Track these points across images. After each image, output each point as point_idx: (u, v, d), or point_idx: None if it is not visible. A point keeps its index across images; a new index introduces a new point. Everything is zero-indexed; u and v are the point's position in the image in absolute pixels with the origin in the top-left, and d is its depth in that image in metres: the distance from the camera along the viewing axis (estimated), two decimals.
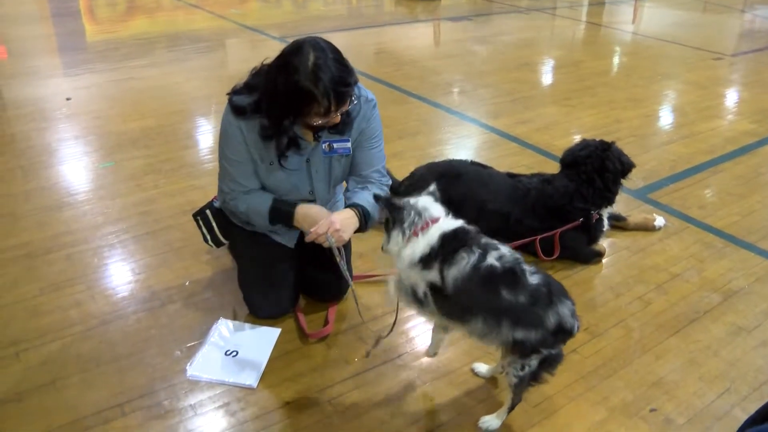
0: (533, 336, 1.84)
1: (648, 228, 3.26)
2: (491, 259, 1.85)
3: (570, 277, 2.88)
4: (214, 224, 2.60)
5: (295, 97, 2.02)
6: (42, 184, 3.59)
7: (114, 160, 3.91)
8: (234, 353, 2.34)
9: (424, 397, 2.17)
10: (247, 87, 2.24)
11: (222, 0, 9.38)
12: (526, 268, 1.88)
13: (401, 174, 3.37)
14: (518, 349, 1.88)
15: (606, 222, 3.04)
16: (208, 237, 2.64)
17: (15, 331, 2.43)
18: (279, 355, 2.35)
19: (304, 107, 2.05)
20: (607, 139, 3.03)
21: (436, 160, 3.48)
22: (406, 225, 1.93)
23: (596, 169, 2.93)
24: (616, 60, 7.00)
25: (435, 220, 1.95)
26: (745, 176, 3.92)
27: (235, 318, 2.53)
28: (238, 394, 2.18)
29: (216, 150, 3.99)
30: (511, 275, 1.85)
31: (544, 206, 2.96)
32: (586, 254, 3.00)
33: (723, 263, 3.01)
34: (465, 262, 1.85)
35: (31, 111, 4.70)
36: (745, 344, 2.48)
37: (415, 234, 1.93)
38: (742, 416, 2.13)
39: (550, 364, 1.93)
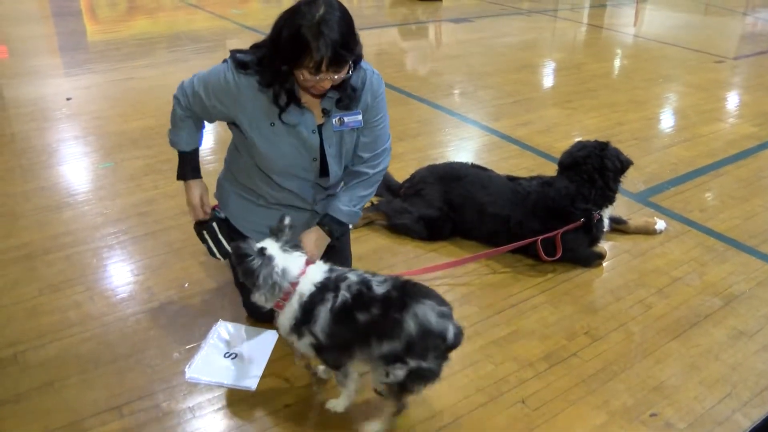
0: (397, 345, 1.81)
1: (649, 231, 3.25)
2: (340, 299, 1.87)
3: (571, 281, 2.87)
4: (221, 236, 2.45)
5: (293, 42, 1.98)
6: (42, 184, 3.59)
7: (114, 160, 3.90)
8: (233, 355, 2.34)
9: (423, 402, 2.15)
10: (254, 47, 2.23)
11: (223, 0, 9.38)
12: (373, 279, 1.90)
13: (402, 176, 3.37)
14: (383, 358, 1.86)
15: (606, 222, 3.04)
16: (215, 250, 2.47)
17: (14, 332, 2.42)
18: (278, 358, 2.34)
19: (299, 54, 1.99)
20: (610, 142, 3.03)
21: (437, 162, 3.48)
22: (266, 296, 1.91)
23: (596, 169, 2.92)
24: (617, 62, 6.99)
25: (295, 284, 1.91)
26: (746, 179, 3.91)
27: (234, 320, 2.52)
28: (237, 397, 2.17)
29: (216, 151, 4.03)
30: (358, 295, 1.87)
31: (545, 208, 2.95)
32: (587, 256, 2.99)
33: (724, 267, 3.00)
34: (323, 313, 1.88)
35: (31, 111, 4.70)
36: (746, 349, 2.48)
37: (279, 307, 1.94)
38: (743, 421, 2.12)
39: (419, 378, 1.86)
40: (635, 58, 7.12)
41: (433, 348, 1.83)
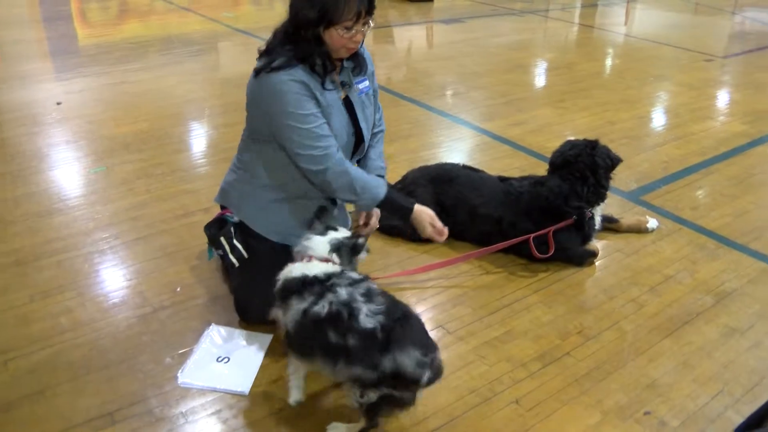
0: (369, 375, 1.81)
1: (641, 230, 3.26)
2: (319, 306, 1.89)
3: (563, 280, 2.88)
4: (235, 241, 2.44)
5: (330, 1, 2.09)
6: (32, 189, 3.57)
7: (106, 164, 3.89)
8: (226, 359, 2.33)
9: (416, 403, 2.15)
10: (266, 52, 2.26)
11: (214, 3, 9.37)
12: (364, 307, 1.85)
13: (393, 177, 3.36)
14: (354, 381, 1.86)
15: (598, 220, 3.05)
16: (231, 255, 2.44)
17: (4, 339, 2.40)
18: (271, 362, 2.33)
19: (339, 9, 2.09)
20: (602, 141, 3.04)
21: (429, 163, 3.48)
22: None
23: (588, 166, 2.93)
24: (608, 62, 7.01)
25: (309, 258, 2.04)
26: (737, 177, 3.92)
27: (227, 324, 2.51)
28: (230, 401, 2.16)
29: (208, 155, 4.02)
30: (336, 316, 1.85)
31: (538, 208, 2.95)
32: (580, 254, 2.99)
33: (716, 265, 3.01)
34: (296, 309, 1.93)
35: (21, 115, 4.67)
36: (738, 346, 2.48)
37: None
38: (736, 418, 2.13)
39: (394, 403, 1.87)
40: (626, 57, 7.14)
41: (404, 387, 1.82)
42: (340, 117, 2.34)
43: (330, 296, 1.89)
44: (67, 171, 3.83)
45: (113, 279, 2.81)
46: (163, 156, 4.02)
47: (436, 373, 1.84)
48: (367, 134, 2.49)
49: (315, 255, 2.05)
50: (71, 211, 3.34)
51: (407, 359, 1.78)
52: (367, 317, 1.83)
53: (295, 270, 2.02)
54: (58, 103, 4.90)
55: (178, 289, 2.72)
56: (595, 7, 10.08)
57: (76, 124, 4.53)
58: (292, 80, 2.19)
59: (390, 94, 5.34)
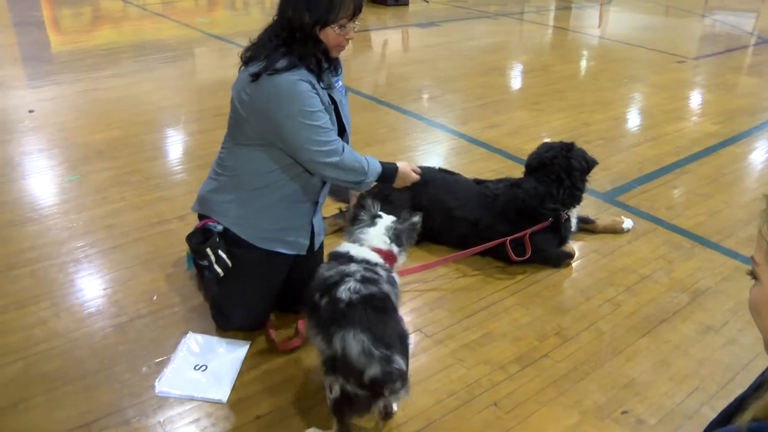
0: (324, 349, 1.87)
1: (617, 230, 3.29)
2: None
3: (540, 282, 2.89)
4: (220, 251, 2.37)
5: (326, 3, 2.14)
6: (4, 198, 3.51)
7: (79, 172, 3.84)
8: (203, 368, 2.31)
9: (391, 414, 2.15)
10: (256, 56, 2.25)
11: (189, 9, 9.31)
12: (352, 285, 1.90)
13: None
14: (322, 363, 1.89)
15: (574, 222, 3.07)
16: (216, 266, 2.37)
17: None
18: (249, 369, 2.32)
19: (336, 8, 2.15)
20: (578, 142, 3.06)
21: None
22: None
23: (564, 169, 2.96)
24: (583, 64, 7.09)
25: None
26: (710, 176, 3.98)
27: (204, 332, 2.49)
28: (208, 410, 2.14)
29: (184, 162, 3.99)
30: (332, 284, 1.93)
31: (514, 210, 2.97)
32: (557, 256, 3.02)
33: (691, 263, 3.05)
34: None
35: None
36: (713, 342, 2.52)
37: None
38: (711, 414, 2.14)
39: (348, 402, 1.84)
40: (600, 59, 7.22)
41: (353, 377, 1.79)
42: (331, 114, 2.36)
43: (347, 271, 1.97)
44: (40, 179, 3.78)
45: (89, 288, 2.77)
46: (138, 163, 3.98)
47: (389, 376, 1.75)
48: (349, 131, 2.52)
49: (370, 245, 2.09)
50: (45, 220, 3.29)
51: (354, 343, 1.77)
52: (346, 291, 1.88)
53: (345, 247, 2.10)
54: (31, 111, 4.83)
55: (155, 298, 2.70)
56: (569, 10, 10.18)
57: (49, 132, 4.47)
58: (301, 80, 2.20)
59: (365, 99, 5.34)
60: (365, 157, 2.41)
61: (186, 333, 2.47)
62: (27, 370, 2.28)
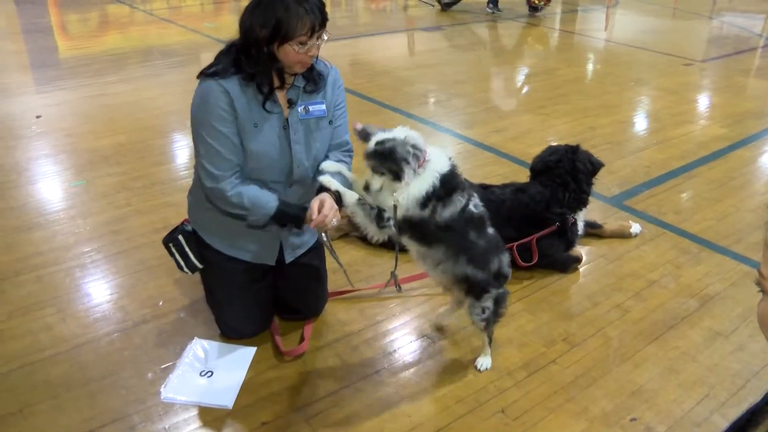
0: (480, 276, 2.18)
1: (624, 235, 3.27)
2: (471, 205, 2.17)
3: (547, 287, 2.88)
4: (188, 249, 2.41)
5: (283, 17, 2.02)
6: (10, 204, 3.52)
7: (85, 178, 3.84)
8: (209, 374, 2.30)
9: (402, 415, 2.14)
10: (219, 56, 2.22)
11: (195, 13, 9.34)
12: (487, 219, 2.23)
13: None
14: (470, 289, 2.22)
15: (581, 226, 3.05)
16: (183, 264, 2.44)
17: None
18: (255, 375, 2.31)
19: (292, 25, 2.02)
20: (584, 146, 3.05)
21: None
22: (410, 164, 2.07)
23: (569, 172, 2.94)
24: (589, 67, 7.07)
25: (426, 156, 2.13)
26: (718, 180, 3.95)
27: (209, 338, 2.49)
28: (214, 416, 2.13)
29: (188, 166, 3.98)
30: (479, 222, 2.19)
31: (520, 215, 2.95)
32: (564, 261, 3.00)
33: (699, 268, 3.02)
34: (458, 204, 2.12)
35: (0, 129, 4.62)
36: (722, 349, 2.49)
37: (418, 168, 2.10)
38: (721, 422, 2.13)
39: (502, 300, 2.28)
40: (607, 62, 7.20)
41: (501, 283, 2.27)
42: (272, 136, 2.21)
43: (473, 200, 2.22)
44: (46, 185, 3.79)
45: (94, 294, 2.77)
46: (144, 169, 3.99)
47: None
48: (303, 159, 2.28)
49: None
50: (51, 225, 3.30)
51: (505, 259, 2.30)
52: (490, 227, 2.28)
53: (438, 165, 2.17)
54: (38, 117, 4.85)
55: (161, 303, 2.69)
56: (575, 13, 10.17)
57: (56, 138, 4.49)
58: (222, 92, 2.12)
59: (371, 103, 5.34)
60: (264, 194, 2.21)
61: (192, 339, 2.46)
62: (32, 375, 2.28)
